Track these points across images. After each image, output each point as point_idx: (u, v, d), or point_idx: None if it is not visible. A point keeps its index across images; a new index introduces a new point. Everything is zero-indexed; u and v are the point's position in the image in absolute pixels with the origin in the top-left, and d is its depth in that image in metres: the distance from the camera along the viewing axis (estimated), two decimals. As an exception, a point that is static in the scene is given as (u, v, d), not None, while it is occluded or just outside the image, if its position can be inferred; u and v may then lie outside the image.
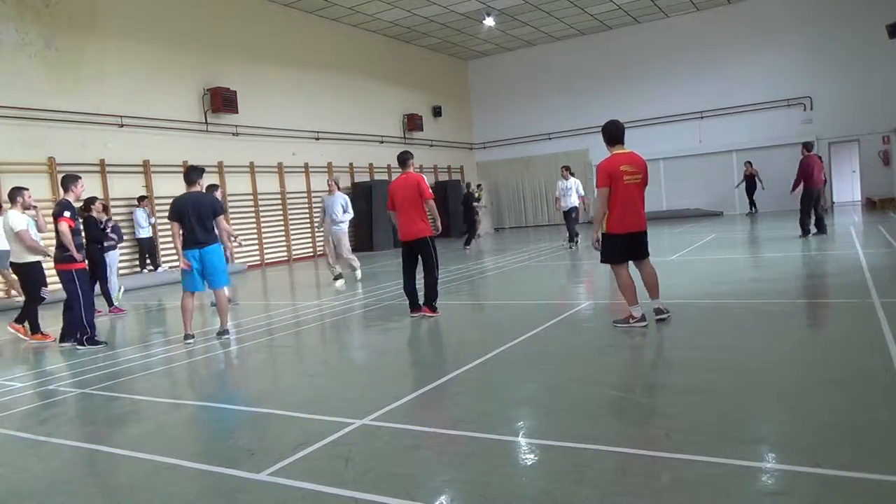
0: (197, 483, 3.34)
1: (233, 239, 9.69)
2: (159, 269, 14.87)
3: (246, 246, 17.50)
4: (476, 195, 22.98)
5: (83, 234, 8.77)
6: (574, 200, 15.02)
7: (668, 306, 6.36)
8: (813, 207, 12.93)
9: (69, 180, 7.65)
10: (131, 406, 4.94)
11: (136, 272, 14.76)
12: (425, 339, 6.77)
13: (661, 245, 14.58)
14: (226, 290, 7.57)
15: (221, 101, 16.40)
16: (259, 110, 17.78)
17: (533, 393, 4.46)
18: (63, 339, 7.57)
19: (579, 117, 24.68)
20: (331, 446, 3.63)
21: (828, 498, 2.66)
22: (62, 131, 13.49)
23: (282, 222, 18.62)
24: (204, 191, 7.53)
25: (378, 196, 19.72)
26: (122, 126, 14.58)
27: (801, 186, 13.12)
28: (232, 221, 16.92)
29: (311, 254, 19.31)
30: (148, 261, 14.89)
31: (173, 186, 15.19)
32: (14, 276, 8.74)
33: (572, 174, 15.53)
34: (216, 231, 7.26)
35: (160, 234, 15.15)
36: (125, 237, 14.32)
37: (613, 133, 6.27)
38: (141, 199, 14.75)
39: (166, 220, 15.48)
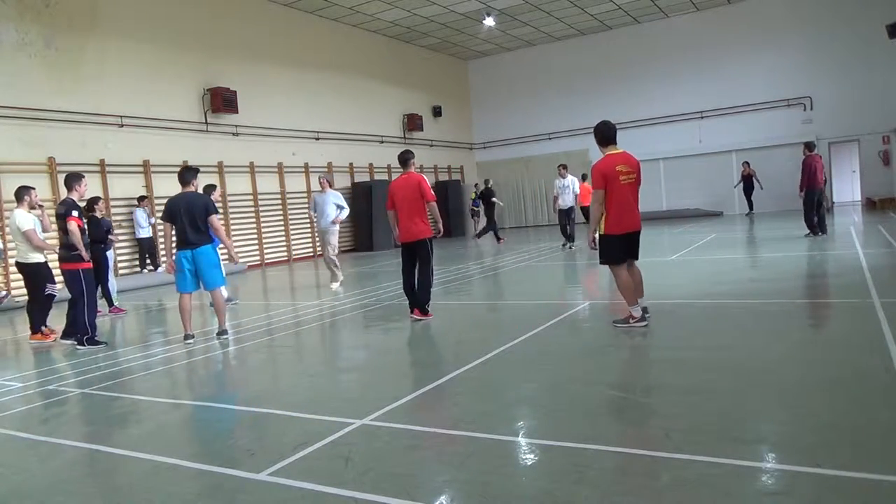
0: (197, 483, 3.34)
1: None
2: (159, 269, 14.86)
3: (243, 246, 17.51)
4: (479, 192, 23.01)
5: (86, 233, 8.76)
6: (571, 200, 14.93)
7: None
8: (815, 207, 12.91)
9: (73, 179, 7.63)
10: (131, 406, 4.94)
11: (136, 272, 14.76)
12: (425, 339, 6.77)
13: (661, 245, 14.58)
14: (223, 290, 7.54)
15: (221, 101, 16.39)
16: (259, 110, 17.77)
17: (533, 393, 4.47)
18: (65, 336, 7.57)
19: (579, 117, 24.65)
20: (331, 446, 3.63)
21: (828, 498, 2.66)
22: (62, 131, 13.49)
23: (282, 222, 18.62)
24: (199, 191, 7.51)
25: (378, 196, 19.72)
26: (122, 126, 14.58)
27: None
28: (232, 221, 16.96)
29: (311, 254, 19.31)
30: (148, 261, 14.89)
31: (173, 186, 15.02)
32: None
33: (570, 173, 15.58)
34: (211, 232, 7.23)
35: (160, 234, 15.15)
36: (125, 237, 14.35)
37: (605, 134, 6.27)
38: (141, 199, 14.75)
39: (165, 220, 15.51)
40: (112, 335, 8.20)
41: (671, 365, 4.80)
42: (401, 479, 3.13)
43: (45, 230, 7.89)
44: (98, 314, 8.36)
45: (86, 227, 8.22)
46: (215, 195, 9.49)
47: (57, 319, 8.65)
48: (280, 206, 18.59)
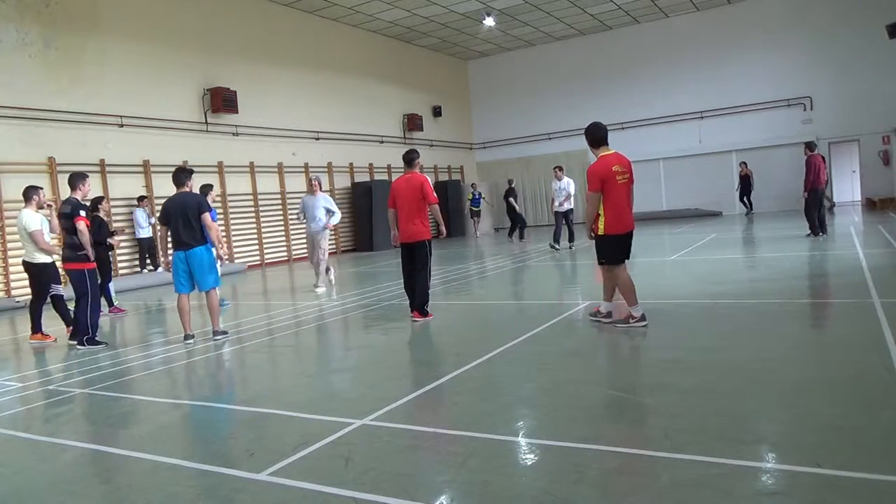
0: (197, 483, 3.34)
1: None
2: (159, 269, 14.86)
3: (243, 246, 17.50)
4: (479, 192, 23.03)
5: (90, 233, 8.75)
6: (566, 202, 14.62)
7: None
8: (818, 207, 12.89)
9: (77, 179, 7.61)
10: (131, 406, 4.94)
11: (137, 272, 14.76)
12: (425, 339, 6.77)
13: (661, 245, 14.58)
14: (217, 292, 7.47)
15: (221, 101, 16.39)
16: (259, 110, 17.78)
17: (533, 393, 4.46)
18: (73, 336, 7.53)
19: (579, 117, 24.45)
20: (331, 446, 3.63)
21: (828, 498, 2.66)
22: (62, 131, 13.49)
23: (282, 222, 18.62)
24: (195, 191, 7.49)
25: (378, 196, 19.72)
26: (122, 126, 14.58)
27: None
28: (232, 221, 16.96)
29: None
30: (148, 261, 14.89)
31: (173, 187, 15.17)
32: None
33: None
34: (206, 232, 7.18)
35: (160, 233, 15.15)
36: (125, 237, 14.33)
37: (597, 135, 6.30)
38: (141, 199, 14.75)
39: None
40: (112, 335, 8.20)
41: (671, 365, 4.80)
42: (401, 479, 3.13)
43: (53, 230, 7.88)
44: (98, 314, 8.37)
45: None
46: (212, 195, 9.48)
47: (53, 322, 8.65)
48: (280, 206, 18.58)
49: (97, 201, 10.13)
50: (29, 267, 7.86)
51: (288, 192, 18.75)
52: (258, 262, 17.62)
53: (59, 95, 13.48)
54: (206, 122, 16.46)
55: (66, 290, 8.22)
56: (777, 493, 2.74)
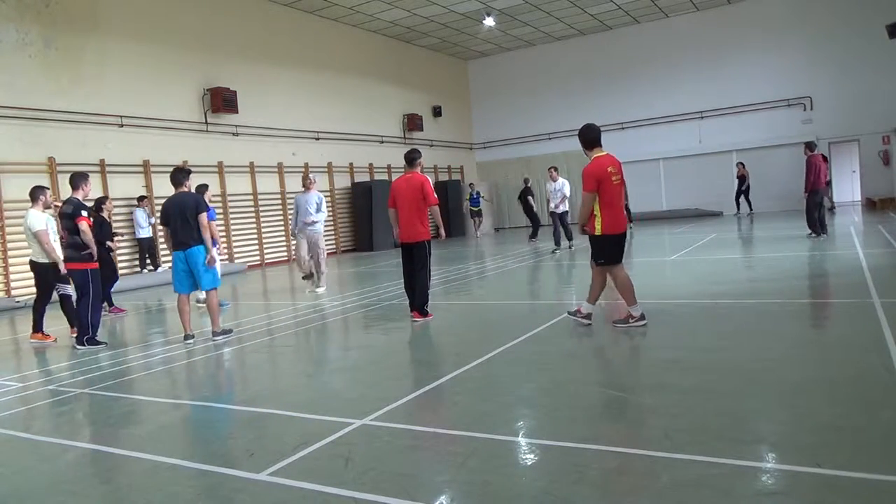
0: (197, 483, 3.34)
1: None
2: (159, 269, 14.87)
3: (243, 247, 17.50)
4: (477, 192, 23.02)
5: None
6: (561, 204, 14.35)
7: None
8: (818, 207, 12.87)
9: (79, 178, 7.59)
10: (131, 406, 4.94)
11: (137, 272, 14.76)
12: (425, 339, 6.77)
13: (661, 245, 14.58)
14: (216, 292, 7.46)
15: (221, 101, 16.39)
16: (259, 110, 17.78)
17: (533, 393, 4.46)
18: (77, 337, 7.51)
19: (579, 117, 24.32)
20: (331, 446, 3.63)
21: (828, 498, 2.66)
22: (62, 131, 13.50)
23: (282, 222, 18.61)
24: (192, 191, 7.48)
25: (378, 196, 19.72)
26: (122, 126, 14.58)
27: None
28: (232, 221, 16.96)
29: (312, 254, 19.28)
30: (148, 261, 14.89)
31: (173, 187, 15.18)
32: None
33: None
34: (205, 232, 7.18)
35: (160, 234, 15.15)
36: (124, 239, 14.33)
37: (591, 136, 6.31)
38: (141, 199, 14.76)
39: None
40: (112, 335, 8.20)
41: (671, 365, 4.80)
42: (401, 479, 3.13)
43: (59, 230, 7.88)
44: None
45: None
46: (207, 195, 9.45)
47: (56, 322, 8.66)
48: (280, 206, 18.58)
49: (101, 201, 10.12)
50: (35, 266, 7.86)
51: (288, 192, 18.73)
52: (258, 262, 17.62)
53: (59, 95, 13.48)
54: (206, 122, 16.47)
55: (75, 291, 8.21)
56: (777, 493, 2.74)
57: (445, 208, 23.25)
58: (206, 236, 7.16)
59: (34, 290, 8.21)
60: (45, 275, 7.80)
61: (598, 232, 6.12)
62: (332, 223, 20.39)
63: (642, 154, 24.04)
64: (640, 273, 10.74)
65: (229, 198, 16.91)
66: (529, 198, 18.47)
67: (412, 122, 23.80)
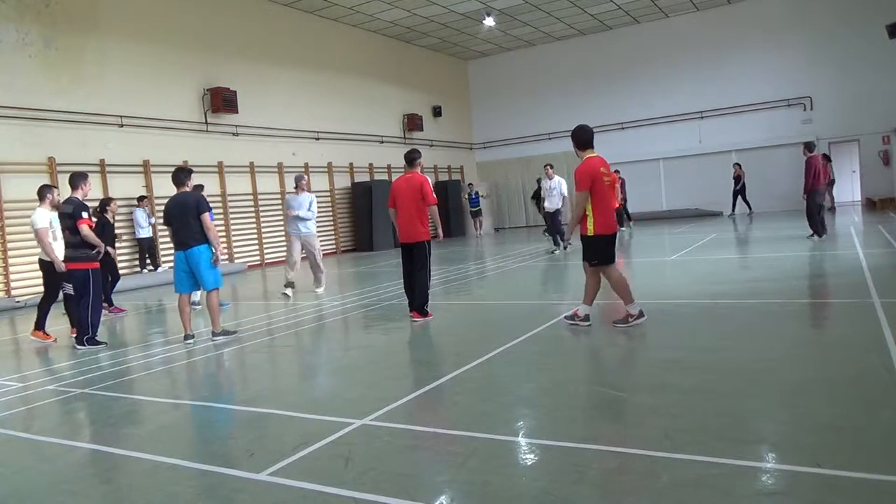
0: (197, 483, 3.34)
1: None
2: (159, 269, 14.87)
3: (243, 246, 17.50)
4: (474, 193, 23.03)
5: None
6: (558, 202, 14.05)
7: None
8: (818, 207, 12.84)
9: (79, 178, 7.57)
10: (131, 406, 4.94)
11: (137, 272, 14.76)
12: (425, 339, 6.77)
13: (661, 245, 14.58)
14: (217, 293, 7.45)
15: (221, 101, 16.40)
16: (259, 110, 17.78)
17: (533, 393, 4.46)
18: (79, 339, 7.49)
19: (579, 117, 24.35)
20: (331, 446, 3.63)
21: (828, 498, 2.66)
22: (62, 131, 13.50)
23: (282, 222, 18.55)
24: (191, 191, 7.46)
25: (378, 196, 19.73)
26: (122, 126, 14.58)
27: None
28: (232, 221, 16.96)
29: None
30: (148, 261, 14.89)
31: (173, 187, 15.16)
32: None
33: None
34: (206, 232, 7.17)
35: (160, 234, 15.15)
36: (125, 237, 14.34)
37: (584, 138, 6.33)
38: (141, 199, 14.75)
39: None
40: (112, 335, 8.20)
41: (671, 365, 4.79)
42: (401, 479, 3.13)
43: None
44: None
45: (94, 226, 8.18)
46: (203, 195, 9.38)
47: (59, 322, 8.66)
48: (280, 206, 18.55)
49: (106, 203, 10.09)
50: (43, 264, 7.87)
51: (288, 192, 18.72)
52: (258, 262, 17.62)
53: (59, 95, 13.48)
54: (206, 122, 16.47)
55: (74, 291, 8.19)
56: (777, 493, 2.74)
57: (445, 208, 23.28)
58: (211, 236, 7.16)
59: (42, 288, 8.19)
60: (52, 274, 7.79)
61: (590, 232, 6.13)
62: (332, 223, 20.41)
63: (642, 154, 24.06)
64: (641, 273, 10.75)
65: (229, 198, 16.91)
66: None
67: (412, 122, 23.80)
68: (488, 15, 21.12)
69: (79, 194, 7.52)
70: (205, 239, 7.09)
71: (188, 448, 3.98)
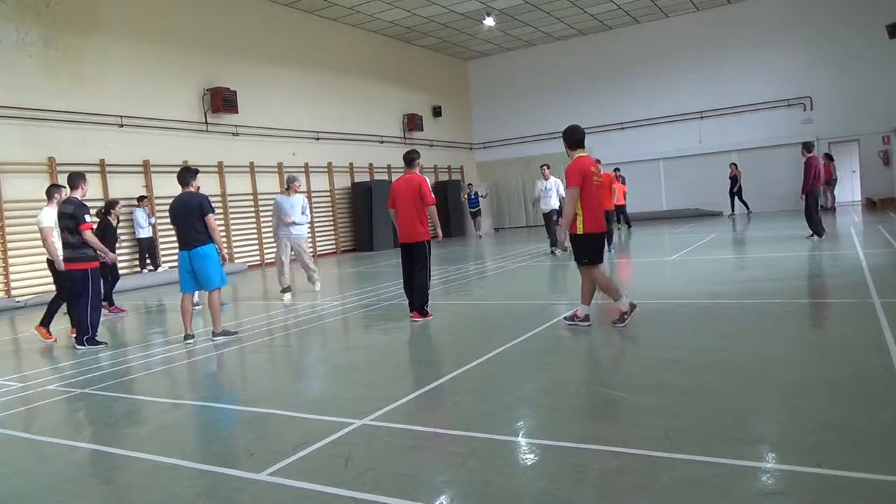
0: (197, 483, 3.34)
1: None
2: (159, 269, 14.87)
3: (243, 246, 17.50)
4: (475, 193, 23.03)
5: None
6: (554, 202, 13.65)
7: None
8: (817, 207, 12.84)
9: (77, 178, 7.55)
10: (131, 406, 4.94)
11: (137, 272, 14.76)
12: (425, 339, 6.77)
13: (661, 245, 14.58)
14: (219, 293, 7.45)
15: (221, 101, 16.40)
16: (259, 110, 17.78)
17: (533, 393, 4.46)
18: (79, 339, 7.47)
19: (579, 117, 24.36)
20: (331, 446, 3.63)
21: (828, 498, 2.66)
22: (62, 131, 13.49)
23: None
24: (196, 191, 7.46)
25: (378, 196, 19.73)
26: (122, 126, 14.58)
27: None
28: (232, 221, 16.95)
29: (312, 254, 19.27)
30: (148, 261, 14.89)
31: (173, 186, 15.09)
32: None
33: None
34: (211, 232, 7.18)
35: (160, 234, 15.16)
36: (124, 237, 14.34)
37: (576, 137, 6.37)
38: (141, 199, 14.75)
39: (166, 221, 15.54)
40: (112, 335, 8.20)
41: (671, 365, 4.79)
42: (401, 479, 3.13)
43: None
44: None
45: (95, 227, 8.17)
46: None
47: (55, 322, 8.65)
48: (280, 206, 18.56)
49: (111, 205, 10.06)
50: (51, 264, 7.87)
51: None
52: (258, 262, 17.61)
53: (59, 95, 13.48)
54: (206, 122, 16.47)
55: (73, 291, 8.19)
56: (777, 493, 2.74)
57: (445, 208, 23.29)
58: (215, 237, 7.17)
59: (51, 288, 8.20)
60: (61, 273, 7.78)
61: (579, 231, 6.15)
62: (332, 223, 20.41)
63: (642, 154, 24.06)
64: (641, 273, 10.75)
65: (229, 198, 16.91)
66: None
67: (412, 122, 23.80)
68: (488, 15, 21.12)
69: (78, 194, 7.50)
70: (209, 239, 7.11)
71: (188, 448, 3.98)
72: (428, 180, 7.66)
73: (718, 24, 22.93)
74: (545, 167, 14.10)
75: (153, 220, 14.78)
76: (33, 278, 12.56)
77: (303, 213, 10.39)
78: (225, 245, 11.13)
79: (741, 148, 22.78)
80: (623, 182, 18.77)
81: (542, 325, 6.54)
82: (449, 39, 24.23)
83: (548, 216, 13.92)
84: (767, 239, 13.76)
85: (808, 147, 12.86)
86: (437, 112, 25.30)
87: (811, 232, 12.61)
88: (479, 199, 23.13)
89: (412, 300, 7.55)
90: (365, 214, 20.48)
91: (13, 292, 12.49)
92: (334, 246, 20.40)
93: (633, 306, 6.15)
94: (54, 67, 13.48)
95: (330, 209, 20.36)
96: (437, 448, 3.58)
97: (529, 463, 3.30)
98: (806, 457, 3.01)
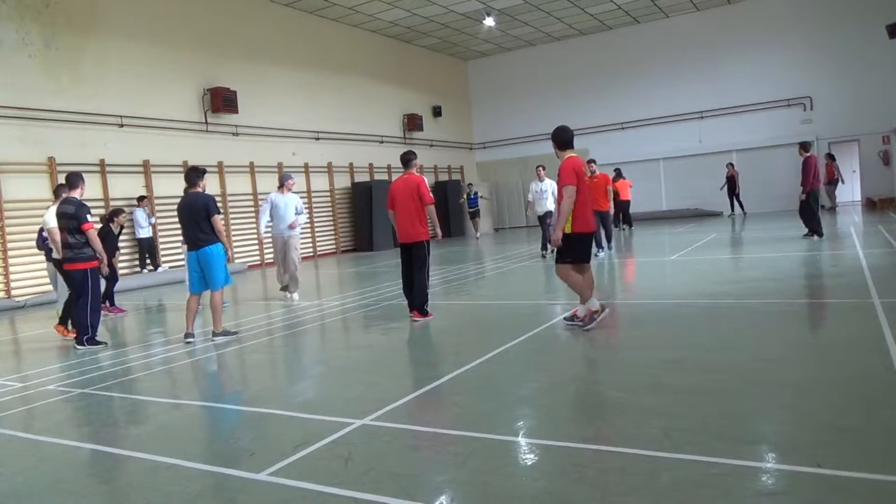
0: (197, 483, 3.34)
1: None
2: (159, 269, 14.87)
3: (243, 246, 17.51)
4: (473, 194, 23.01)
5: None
6: (550, 204, 12.99)
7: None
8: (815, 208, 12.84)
9: (76, 178, 7.53)
10: (131, 406, 4.94)
11: (137, 272, 14.75)
12: (425, 339, 6.77)
13: (661, 245, 14.58)
14: (221, 293, 7.46)
15: (221, 101, 16.40)
16: (259, 110, 17.78)
17: (533, 393, 4.46)
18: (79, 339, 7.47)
19: (579, 117, 24.63)
20: (331, 446, 3.63)
21: (828, 498, 2.66)
22: (62, 131, 13.49)
23: (282, 222, 18.58)
24: (203, 191, 7.46)
25: (378, 196, 19.73)
26: (122, 126, 14.58)
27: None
28: (232, 221, 16.95)
29: (312, 254, 19.31)
30: (148, 261, 14.89)
31: (173, 186, 15.18)
32: None
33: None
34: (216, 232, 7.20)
35: (160, 234, 15.16)
36: (125, 237, 14.33)
37: (565, 138, 6.40)
38: (141, 199, 14.75)
39: (166, 221, 15.54)
40: (112, 335, 8.20)
41: (671, 365, 4.80)
42: (401, 479, 3.13)
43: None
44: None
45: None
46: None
47: (54, 322, 8.65)
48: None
49: (115, 213, 10.04)
50: (60, 265, 7.89)
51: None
52: (258, 262, 17.61)
53: (59, 95, 13.48)
54: (206, 122, 16.47)
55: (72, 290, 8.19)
56: (777, 493, 2.74)
57: (445, 209, 23.28)
58: (223, 238, 7.20)
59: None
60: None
61: (568, 230, 6.14)
62: (332, 223, 20.41)
63: (642, 154, 24.06)
64: (641, 273, 10.76)
65: (229, 198, 16.91)
66: None
67: (412, 122, 23.80)
68: (488, 15, 21.12)
69: (77, 194, 7.49)
70: (216, 238, 7.13)
71: (188, 448, 3.98)
72: (426, 180, 7.66)
73: (718, 24, 22.93)
74: (541, 168, 13.58)
75: (153, 220, 14.78)
76: (33, 278, 12.56)
77: (297, 212, 10.17)
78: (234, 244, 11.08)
79: (741, 148, 22.78)
80: (615, 180, 18.84)
81: (542, 325, 6.54)
82: (449, 39, 24.23)
83: (542, 218, 13.35)
84: (767, 239, 13.76)
85: (805, 146, 12.86)
86: (437, 112, 25.30)
87: (807, 230, 12.62)
88: (479, 199, 23.11)
89: (411, 300, 7.55)
90: (365, 214, 20.48)
91: (13, 292, 12.49)
92: (334, 246, 20.40)
93: (603, 308, 6.15)
94: (54, 67, 13.48)
95: (330, 209, 20.36)
96: (437, 448, 3.58)
97: (529, 463, 3.30)
98: (806, 457, 3.01)
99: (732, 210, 21.94)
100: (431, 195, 7.60)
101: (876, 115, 20.88)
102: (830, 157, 20.78)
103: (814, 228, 12.52)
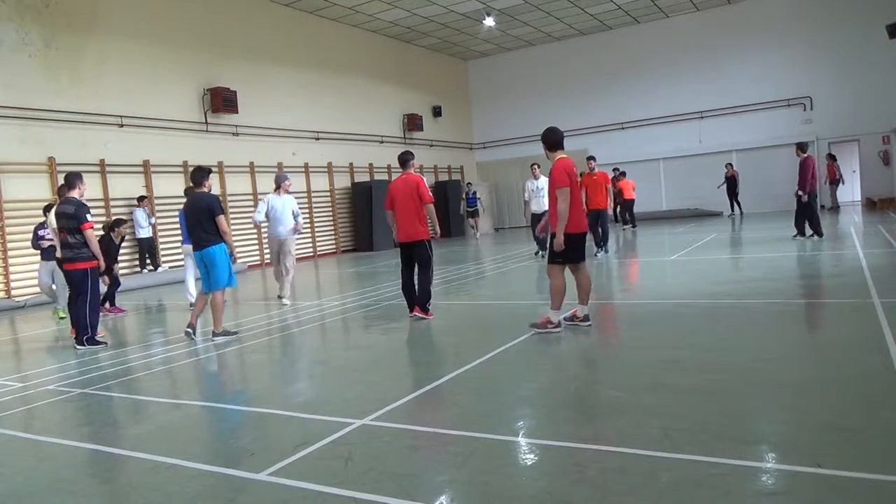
0: (197, 483, 3.34)
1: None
2: (159, 269, 14.87)
3: (243, 246, 17.52)
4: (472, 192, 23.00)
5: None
6: (545, 203, 12.00)
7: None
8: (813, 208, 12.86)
9: (75, 178, 7.52)
10: (131, 406, 4.94)
11: (137, 272, 14.75)
12: (425, 339, 6.77)
13: (661, 245, 14.58)
14: (223, 293, 7.47)
15: (221, 101, 16.39)
16: (259, 110, 17.77)
17: (533, 393, 4.46)
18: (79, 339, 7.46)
19: (579, 117, 24.67)
20: (331, 446, 3.63)
21: (828, 498, 2.66)
22: (62, 131, 13.49)
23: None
24: (209, 191, 7.45)
25: (378, 196, 19.72)
26: (122, 126, 14.58)
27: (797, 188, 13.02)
28: (232, 221, 16.93)
29: (312, 254, 19.31)
30: (148, 261, 14.89)
31: (173, 186, 15.21)
32: None
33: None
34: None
35: (160, 234, 15.15)
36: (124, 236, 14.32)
37: (556, 139, 6.35)
38: (141, 199, 14.74)
39: (166, 220, 15.54)
40: (112, 335, 8.20)
41: (671, 365, 4.80)
42: (401, 479, 3.13)
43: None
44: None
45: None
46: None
47: (55, 322, 8.65)
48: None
49: (116, 223, 10.02)
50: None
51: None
52: (258, 263, 17.62)
53: (59, 95, 13.47)
54: (206, 122, 16.46)
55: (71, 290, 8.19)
56: (777, 493, 2.74)
57: (445, 209, 23.27)
58: (227, 239, 7.22)
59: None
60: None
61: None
62: (332, 223, 20.41)
63: (642, 154, 24.05)
64: (641, 273, 10.75)
65: (229, 198, 16.90)
66: None
67: (412, 122, 23.80)
68: (488, 15, 21.12)
69: (76, 194, 7.49)
70: (219, 239, 7.15)
71: (188, 448, 3.98)
72: (425, 180, 7.67)
73: (718, 24, 22.93)
74: (535, 166, 13.29)
75: (153, 220, 14.78)
76: (33, 278, 12.53)
77: (294, 215, 9.92)
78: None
79: (741, 148, 22.78)
80: (619, 179, 18.84)
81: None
82: (449, 39, 24.23)
83: (540, 217, 12.57)
84: (767, 239, 13.76)
85: (802, 147, 12.89)
86: (436, 112, 25.29)
87: (797, 231, 12.70)
88: (478, 199, 23.10)
89: (410, 300, 7.55)
90: (365, 214, 20.48)
91: (13, 292, 12.49)
92: (334, 246, 20.39)
93: (560, 324, 6.11)
94: (54, 67, 13.48)
95: (330, 209, 20.35)
96: (437, 448, 3.58)
97: (529, 463, 3.30)
98: (806, 457, 3.01)
99: (732, 210, 21.95)
100: (431, 194, 7.61)
101: (876, 115, 20.87)
102: (831, 157, 20.78)
103: (814, 228, 12.55)
